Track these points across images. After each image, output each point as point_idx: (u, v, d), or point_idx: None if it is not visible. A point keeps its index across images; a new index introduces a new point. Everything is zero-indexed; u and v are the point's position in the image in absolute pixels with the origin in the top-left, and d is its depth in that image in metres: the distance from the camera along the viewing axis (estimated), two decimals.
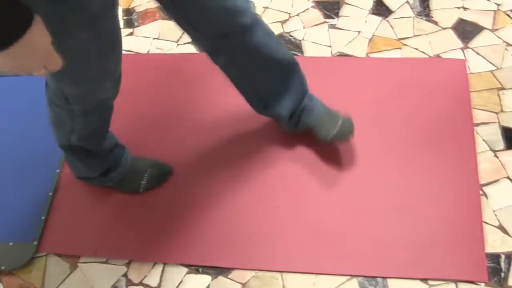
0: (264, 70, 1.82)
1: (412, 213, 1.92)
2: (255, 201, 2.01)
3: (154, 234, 1.98)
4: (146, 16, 2.60)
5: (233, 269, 1.88)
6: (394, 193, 1.97)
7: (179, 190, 2.07)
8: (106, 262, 1.95)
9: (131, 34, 2.55)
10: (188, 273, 1.90)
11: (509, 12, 2.39)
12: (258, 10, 2.54)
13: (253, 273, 1.87)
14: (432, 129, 2.08)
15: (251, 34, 1.68)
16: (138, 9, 2.64)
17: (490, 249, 1.83)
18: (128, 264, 1.94)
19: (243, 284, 1.86)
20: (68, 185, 2.12)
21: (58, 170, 2.15)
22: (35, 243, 2.00)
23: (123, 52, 2.41)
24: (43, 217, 2.05)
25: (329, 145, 2.06)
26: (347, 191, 1.99)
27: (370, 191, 1.98)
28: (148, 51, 2.47)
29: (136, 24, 2.58)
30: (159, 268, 1.92)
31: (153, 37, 2.52)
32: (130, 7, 2.65)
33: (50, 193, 2.10)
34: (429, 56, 2.28)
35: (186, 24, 1.63)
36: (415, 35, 2.36)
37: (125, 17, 2.61)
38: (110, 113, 1.82)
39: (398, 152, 2.05)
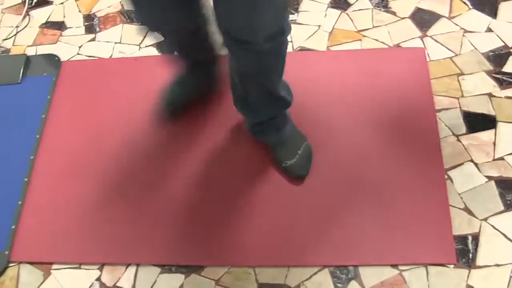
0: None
1: (379, 200, 1.95)
2: (222, 199, 2.02)
3: (125, 236, 1.98)
4: (107, 21, 2.60)
5: (206, 266, 1.90)
6: (360, 181, 1.99)
7: (146, 191, 2.07)
8: (79, 267, 1.95)
9: (93, 39, 2.55)
10: (161, 273, 1.91)
11: (465, 0, 2.43)
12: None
13: (225, 269, 1.88)
14: (395, 117, 2.11)
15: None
16: (99, 14, 2.64)
17: (457, 231, 1.87)
18: (101, 268, 1.94)
19: (216, 281, 1.87)
20: (36, 193, 2.12)
21: (26, 179, 2.14)
22: (6, 252, 1.99)
23: (85, 58, 2.44)
24: (13, 226, 2.04)
25: None
26: (313, 182, 2.01)
27: (336, 181, 2.00)
28: (111, 56, 2.47)
29: (97, 29, 2.58)
30: (132, 269, 1.92)
31: (115, 42, 2.52)
32: (90, 12, 2.65)
33: (19, 202, 2.09)
34: (389, 46, 2.31)
35: None
36: (374, 26, 2.39)
37: (86, 23, 2.61)
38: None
39: (362, 141, 2.08)
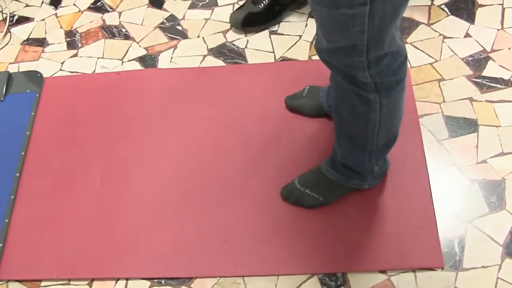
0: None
1: (364, 206, 1.96)
2: (209, 211, 2.03)
3: (114, 251, 1.98)
4: (89, 36, 2.61)
5: (195, 278, 1.90)
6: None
7: (132, 204, 2.08)
8: (68, 284, 1.94)
9: (75, 55, 2.55)
10: (151, 286, 1.90)
11: (443, 6, 2.47)
12: (199, 23, 2.57)
13: (215, 280, 1.89)
14: None
15: None
16: (81, 30, 2.64)
17: (443, 235, 1.88)
18: (90, 283, 1.93)
19: None
20: (23, 210, 2.11)
21: (12, 196, 2.14)
22: None
23: (69, 74, 2.44)
24: (0, 245, 2.03)
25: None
26: None
27: None
28: (94, 71, 2.47)
29: (79, 45, 2.58)
30: (122, 284, 1.92)
31: (97, 57, 2.52)
32: (72, 28, 2.66)
33: (6, 220, 2.08)
34: None
35: None
36: None
37: (68, 39, 2.61)
38: None
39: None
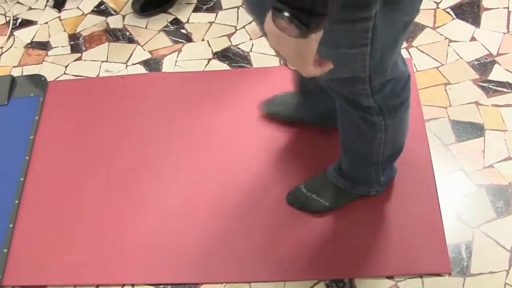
0: None
1: (371, 212, 1.96)
2: (216, 215, 2.02)
3: (119, 256, 1.97)
4: (92, 40, 2.60)
5: (201, 284, 1.89)
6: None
7: (138, 210, 2.07)
8: None
9: (79, 59, 2.54)
10: None
11: (448, 10, 2.46)
12: (204, 26, 2.56)
13: (221, 286, 1.88)
14: None
15: None
16: (84, 33, 2.63)
17: (450, 240, 1.88)
18: None
19: None
20: (27, 215, 2.10)
21: (16, 201, 2.13)
22: None
23: (72, 77, 2.43)
24: (5, 250, 2.02)
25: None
26: None
27: None
28: (98, 75, 2.46)
29: (83, 48, 2.57)
30: None
31: (101, 60, 2.51)
32: (76, 31, 2.65)
33: (11, 225, 2.08)
34: None
35: None
36: None
37: (71, 42, 2.61)
38: None
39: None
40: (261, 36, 2.47)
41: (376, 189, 1.95)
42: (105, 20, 2.68)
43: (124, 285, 1.92)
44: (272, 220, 1.99)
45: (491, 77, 2.23)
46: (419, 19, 2.43)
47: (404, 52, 2.32)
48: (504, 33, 2.36)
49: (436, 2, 2.48)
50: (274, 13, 0.96)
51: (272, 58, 2.38)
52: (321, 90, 1.65)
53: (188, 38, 2.54)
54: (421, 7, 1.48)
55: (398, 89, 1.50)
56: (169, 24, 2.60)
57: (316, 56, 1.08)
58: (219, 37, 2.51)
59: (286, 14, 0.94)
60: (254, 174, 2.09)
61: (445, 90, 2.21)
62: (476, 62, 2.28)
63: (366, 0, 1.11)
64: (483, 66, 2.26)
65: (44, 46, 2.63)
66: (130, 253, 1.97)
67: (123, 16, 2.68)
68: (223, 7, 2.63)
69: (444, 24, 2.41)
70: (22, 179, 2.18)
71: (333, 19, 0.99)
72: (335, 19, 1.04)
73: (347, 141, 1.78)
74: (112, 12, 2.71)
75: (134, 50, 2.52)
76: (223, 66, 2.40)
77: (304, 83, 1.97)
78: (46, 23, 2.73)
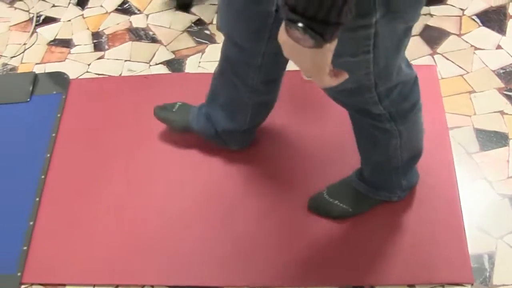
0: None
1: (394, 220, 1.94)
2: (233, 219, 2.01)
3: (140, 256, 1.97)
4: (115, 38, 2.60)
5: (223, 287, 1.88)
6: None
7: (157, 211, 2.06)
8: None
9: (101, 57, 2.54)
10: None
11: (474, 17, 2.44)
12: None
13: None
14: None
15: None
16: (107, 32, 2.63)
17: (473, 250, 1.86)
18: None
19: None
20: (48, 213, 2.10)
21: (37, 199, 2.13)
22: (18, 274, 1.97)
23: (95, 76, 2.43)
24: (24, 247, 2.02)
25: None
26: None
27: None
28: (120, 74, 2.46)
29: (106, 47, 2.57)
30: None
31: (124, 59, 2.51)
32: (99, 30, 2.65)
33: (31, 223, 2.08)
34: None
35: None
36: None
37: (94, 41, 2.61)
38: None
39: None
40: None
41: (398, 194, 1.94)
42: (129, 19, 2.68)
43: (144, 285, 1.91)
44: (291, 225, 1.98)
45: None
46: (444, 26, 2.41)
47: (428, 59, 2.31)
48: None
49: (461, 9, 2.46)
50: (287, 24, 0.96)
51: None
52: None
53: (212, 39, 2.53)
54: (447, 13, 1.49)
55: (406, 93, 1.49)
56: (192, 25, 2.60)
57: (331, 66, 1.08)
58: None
59: (300, 24, 0.93)
60: (273, 178, 2.08)
61: (470, 98, 2.19)
62: (501, 71, 2.26)
63: (367, 8, 1.11)
64: (509, 74, 2.24)
65: (67, 43, 2.63)
66: (151, 253, 1.96)
67: (147, 16, 2.68)
68: None
69: (470, 32, 2.40)
70: (43, 176, 2.18)
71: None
72: None
73: (363, 150, 1.78)
74: (136, 11, 2.71)
75: (157, 50, 2.52)
76: None
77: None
78: (69, 20, 2.73)
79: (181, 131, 2.18)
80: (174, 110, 2.18)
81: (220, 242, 1.96)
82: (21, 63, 2.60)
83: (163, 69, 2.45)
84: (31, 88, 2.44)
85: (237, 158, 2.15)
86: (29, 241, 2.04)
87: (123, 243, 2.00)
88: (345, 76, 1.14)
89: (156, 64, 2.47)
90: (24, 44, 2.66)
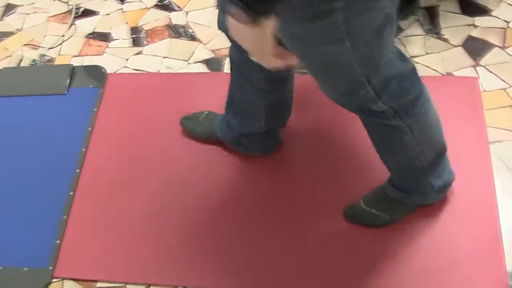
0: None
1: (430, 236, 1.91)
2: (262, 224, 2.00)
3: (173, 256, 1.95)
4: (154, 35, 2.59)
5: None
6: (408, 217, 1.96)
7: (192, 211, 2.05)
8: (124, 287, 1.92)
9: (140, 53, 2.53)
10: None
11: None
12: None
13: None
14: (447, 149, 2.07)
15: None
16: (146, 27, 2.62)
17: (510, 267, 1.83)
18: None
19: None
20: (81, 207, 2.10)
21: (71, 193, 2.12)
22: (50, 268, 1.97)
23: (133, 71, 2.42)
24: (57, 241, 2.02)
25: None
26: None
27: None
28: (158, 70, 2.45)
29: (144, 42, 2.56)
30: None
31: (162, 56, 2.50)
32: (138, 25, 2.64)
33: (64, 216, 2.07)
34: (441, 74, 2.28)
35: None
36: (426, 53, 2.36)
37: (133, 36, 2.60)
38: None
39: None
40: None
41: (432, 196, 1.91)
42: (168, 16, 2.66)
43: (176, 286, 1.90)
44: (323, 233, 1.96)
45: None
46: (488, 37, 2.37)
47: (471, 71, 2.28)
48: None
49: (506, 21, 2.42)
50: (229, 2, 1.02)
51: None
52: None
53: None
54: (491, 25, 1.46)
55: (405, 86, 1.49)
56: None
57: (276, 48, 1.12)
58: None
59: (235, 0, 0.99)
60: (309, 184, 2.07)
61: None
62: None
63: None
64: None
65: (105, 37, 2.63)
66: (186, 254, 1.95)
67: (187, 13, 2.66)
68: None
69: None
70: (78, 170, 2.18)
71: (299, 16, 1.06)
72: (302, 17, 1.11)
73: (381, 152, 1.76)
74: (176, 7, 2.69)
75: (196, 48, 2.50)
76: None
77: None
78: (108, 14, 2.72)
79: (207, 139, 2.18)
80: (200, 120, 2.19)
81: (252, 249, 1.95)
82: (59, 54, 2.60)
83: (202, 68, 2.43)
84: (68, 81, 2.44)
85: (272, 157, 2.13)
86: (62, 235, 2.04)
87: (156, 242, 1.99)
88: (293, 59, 1.18)
89: (195, 62, 2.45)
90: (62, 36, 2.66)
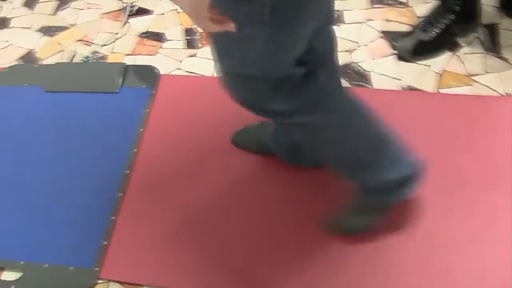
0: None
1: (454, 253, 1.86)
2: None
3: (226, 264, 1.91)
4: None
5: None
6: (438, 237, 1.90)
7: (246, 215, 2.01)
8: None
9: (194, 55, 2.50)
10: None
11: None
12: None
13: None
14: (503, 171, 2.02)
15: None
16: (201, 30, 2.59)
17: None
18: None
19: None
20: (130, 209, 2.07)
21: (120, 194, 2.10)
22: (96, 269, 1.94)
23: (186, 74, 2.39)
24: (105, 242, 2.00)
25: None
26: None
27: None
28: (213, 74, 2.42)
29: (199, 45, 2.54)
30: None
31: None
32: (192, 26, 2.61)
33: (113, 217, 2.05)
34: (500, 95, 2.23)
35: None
36: (486, 72, 2.30)
37: (187, 37, 2.57)
38: None
39: (462, 195, 1.98)
40: (384, 57, 2.39)
41: (391, 193, 1.84)
42: None
43: None
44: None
45: None
46: None
47: None
48: None
49: None
50: None
51: (394, 81, 2.30)
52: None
53: None
54: None
55: (297, 87, 1.49)
56: None
57: (213, 12, 1.15)
58: (340, 51, 2.42)
59: None
60: None
61: None
62: None
63: None
64: None
65: (159, 37, 2.61)
66: (236, 263, 1.91)
67: None
68: (346, 21, 2.55)
69: None
70: (127, 171, 2.15)
71: None
72: None
73: (316, 154, 1.79)
74: None
75: None
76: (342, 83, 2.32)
77: None
78: (163, 14, 2.70)
79: (260, 153, 2.15)
80: (251, 132, 2.16)
81: (319, 267, 1.92)
82: (112, 52, 2.58)
83: None
84: (121, 80, 2.42)
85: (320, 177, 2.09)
86: (109, 236, 2.01)
87: (206, 249, 1.95)
88: (230, 25, 1.18)
89: None
90: (116, 33, 2.65)
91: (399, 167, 1.78)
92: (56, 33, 2.72)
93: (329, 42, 1.63)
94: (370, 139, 1.71)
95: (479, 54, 2.36)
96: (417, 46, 2.35)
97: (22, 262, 2.00)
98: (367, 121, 1.67)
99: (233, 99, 1.54)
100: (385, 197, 1.85)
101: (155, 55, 2.53)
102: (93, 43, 2.63)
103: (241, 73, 1.43)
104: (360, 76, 2.33)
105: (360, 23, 2.54)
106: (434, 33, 2.33)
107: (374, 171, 1.75)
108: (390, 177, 1.76)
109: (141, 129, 2.26)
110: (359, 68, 2.36)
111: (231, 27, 1.18)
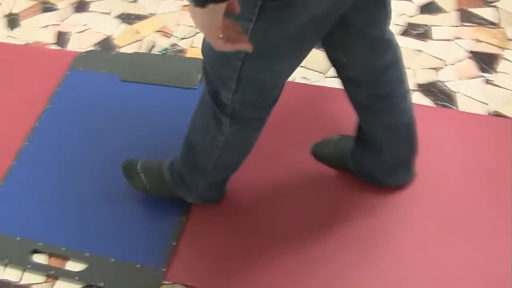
0: None
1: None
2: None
3: (298, 275, 1.87)
4: None
5: None
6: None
7: (318, 237, 1.96)
8: None
9: None
10: None
11: None
12: (411, 53, 2.41)
13: None
14: None
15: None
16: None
17: None
18: None
19: None
20: (202, 210, 2.04)
21: None
22: (163, 269, 1.91)
23: None
24: (174, 243, 1.96)
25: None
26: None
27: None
28: (294, 79, 2.36)
29: None
30: None
31: (300, 66, 2.41)
32: None
33: (183, 218, 2.01)
34: None
35: None
36: None
37: None
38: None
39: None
40: (471, 78, 2.31)
41: (193, 198, 1.97)
42: None
43: None
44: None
45: None
46: None
47: None
48: None
49: None
50: None
51: (481, 104, 2.21)
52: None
53: None
54: None
55: (260, 105, 1.56)
56: None
57: (233, 29, 1.18)
58: (426, 68, 2.35)
59: None
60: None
61: None
62: None
63: None
64: None
65: None
66: (303, 276, 1.87)
67: None
68: (433, 37, 2.47)
69: None
70: None
71: None
72: None
73: (192, 131, 1.79)
74: None
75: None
76: (426, 101, 2.25)
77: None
78: None
79: (339, 168, 2.10)
80: (331, 145, 2.11)
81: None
82: (191, 46, 2.55)
83: (338, 83, 2.32)
84: (200, 76, 2.38)
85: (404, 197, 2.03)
86: (178, 237, 1.98)
87: (272, 261, 1.91)
88: (245, 45, 1.20)
89: (333, 77, 2.36)
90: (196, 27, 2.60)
91: (218, 189, 1.99)
92: (135, 21, 2.69)
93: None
94: (237, 160, 1.84)
95: None
96: None
97: (87, 254, 1.99)
98: (252, 143, 1.76)
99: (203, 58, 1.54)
100: (184, 194, 1.97)
101: None
102: (172, 35, 2.60)
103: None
104: (446, 97, 2.25)
105: (449, 40, 2.45)
106: None
107: (205, 178, 1.86)
108: (204, 189, 1.91)
109: None
110: (445, 88, 2.29)
111: (245, 47, 1.20)
